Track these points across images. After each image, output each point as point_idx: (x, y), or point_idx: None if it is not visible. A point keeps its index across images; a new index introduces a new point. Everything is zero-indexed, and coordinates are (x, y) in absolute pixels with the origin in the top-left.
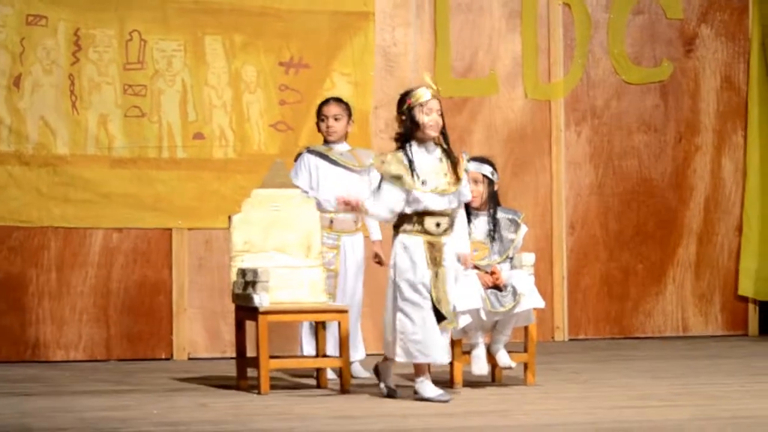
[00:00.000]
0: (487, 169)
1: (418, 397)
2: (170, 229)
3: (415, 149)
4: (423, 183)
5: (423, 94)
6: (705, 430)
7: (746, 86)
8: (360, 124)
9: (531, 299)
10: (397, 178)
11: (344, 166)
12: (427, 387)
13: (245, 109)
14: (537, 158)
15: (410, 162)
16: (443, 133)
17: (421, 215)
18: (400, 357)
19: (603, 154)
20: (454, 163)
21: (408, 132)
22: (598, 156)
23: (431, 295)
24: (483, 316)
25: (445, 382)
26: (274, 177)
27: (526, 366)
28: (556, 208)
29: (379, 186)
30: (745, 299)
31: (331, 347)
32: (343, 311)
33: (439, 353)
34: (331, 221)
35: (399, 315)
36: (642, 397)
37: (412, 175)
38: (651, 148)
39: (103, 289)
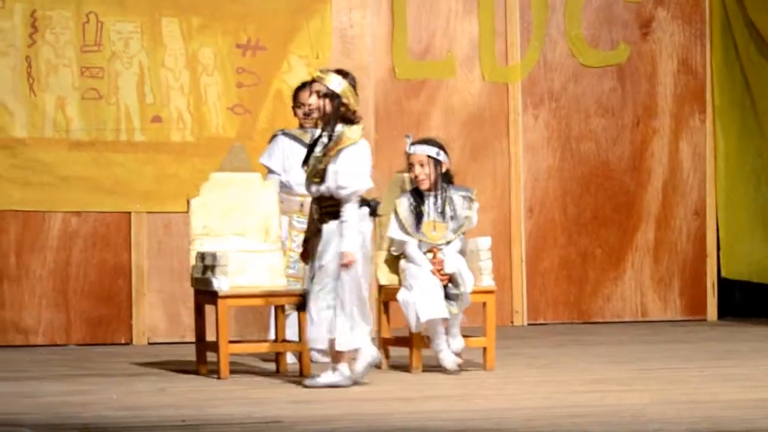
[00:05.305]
0: (431, 150)
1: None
2: (129, 213)
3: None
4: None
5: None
6: (663, 414)
7: (703, 69)
8: None
9: (466, 284)
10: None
11: None
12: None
13: (203, 92)
14: (495, 141)
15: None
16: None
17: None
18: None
19: (561, 137)
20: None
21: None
22: (556, 139)
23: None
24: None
25: (405, 366)
26: (232, 160)
27: (485, 351)
28: (514, 191)
29: None
30: (702, 283)
31: (293, 332)
32: (302, 295)
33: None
34: (302, 204)
35: None
36: (600, 381)
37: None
38: (608, 131)
39: (63, 273)
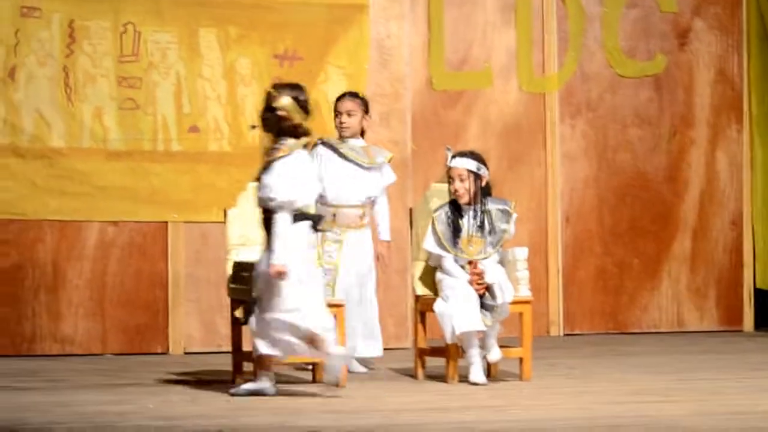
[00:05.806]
0: (472, 165)
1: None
2: (166, 222)
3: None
4: None
5: None
6: (701, 425)
7: (740, 79)
8: None
9: (504, 295)
10: None
11: (354, 162)
12: None
13: (240, 102)
14: (532, 151)
15: None
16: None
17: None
18: None
19: (598, 147)
20: None
21: None
22: (592, 149)
23: None
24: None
25: (441, 377)
26: None
27: (521, 361)
28: (551, 201)
29: None
30: (739, 294)
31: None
32: (339, 305)
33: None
34: (334, 215)
35: None
36: (638, 392)
37: None
38: (645, 141)
39: (99, 282)
